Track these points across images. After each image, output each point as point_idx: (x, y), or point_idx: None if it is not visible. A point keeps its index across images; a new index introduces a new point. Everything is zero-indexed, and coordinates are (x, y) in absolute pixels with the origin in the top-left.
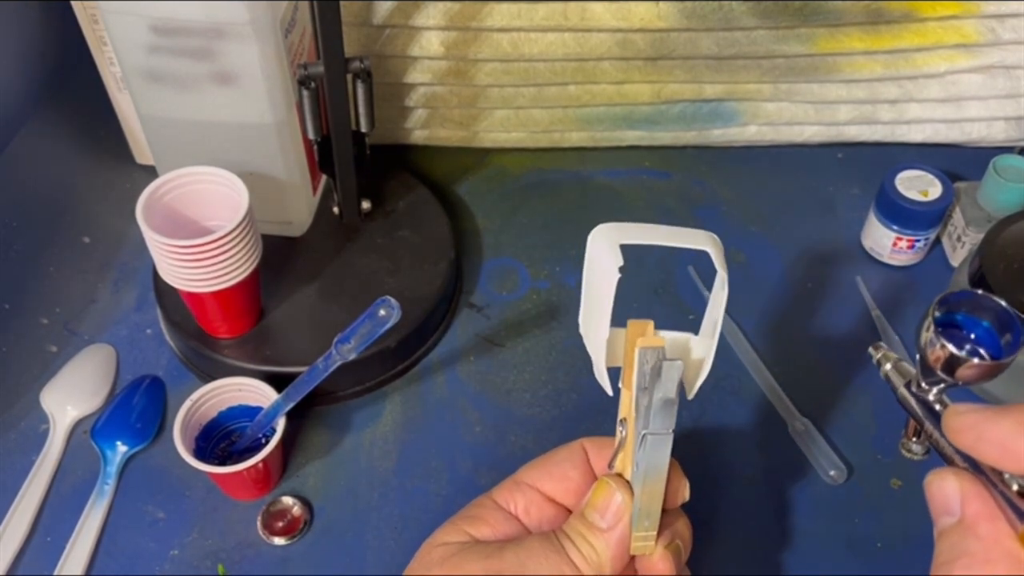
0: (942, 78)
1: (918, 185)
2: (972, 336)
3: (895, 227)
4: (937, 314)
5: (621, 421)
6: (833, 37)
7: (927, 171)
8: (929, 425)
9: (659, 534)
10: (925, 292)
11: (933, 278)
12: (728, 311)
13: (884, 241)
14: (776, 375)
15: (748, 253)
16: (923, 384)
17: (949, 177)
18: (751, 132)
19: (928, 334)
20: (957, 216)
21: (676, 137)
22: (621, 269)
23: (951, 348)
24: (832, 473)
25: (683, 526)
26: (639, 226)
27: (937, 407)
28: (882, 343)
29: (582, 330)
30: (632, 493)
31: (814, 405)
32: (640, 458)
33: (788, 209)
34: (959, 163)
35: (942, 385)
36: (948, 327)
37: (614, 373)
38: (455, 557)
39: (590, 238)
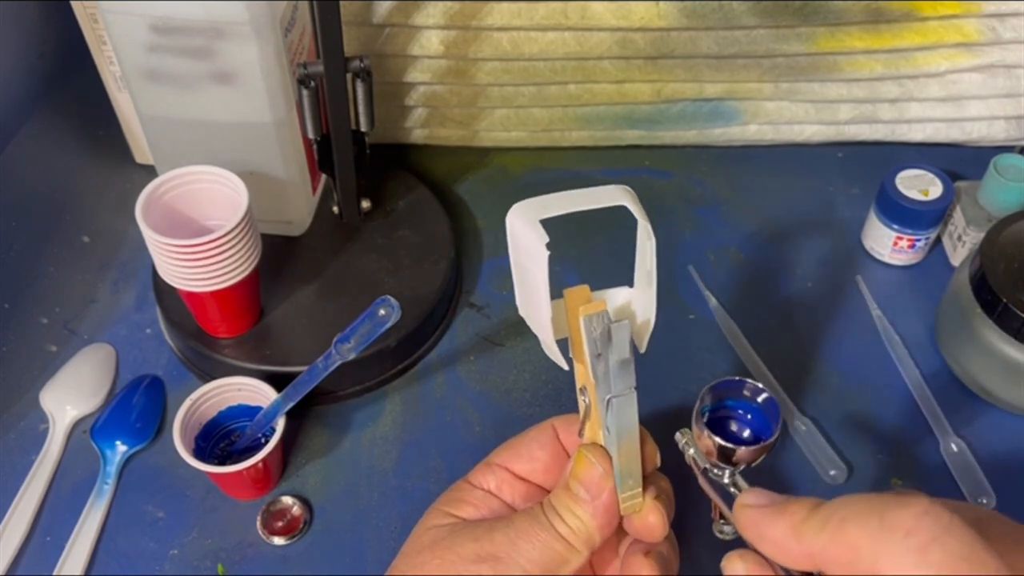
0: (942, 77)
1: (918, 184)
2: (749, 417)
3: (895, 226)
4: (706, 405)
5: (581, 390)
6: (833, 36)
7: (927, 170)
8: (727, 509)
9: (643, 490)
10: (925, 292)
11: (933, 278)
12: (728, 311)
13: (884, 241)
14: (776, 375)
15: (748, 253)
16: (715, 470)
17: (949, 176)
18: (751, 131)
19: (696, 427)
20: (957, 215)
21: (676, 136)
22: (549, 246)
23: (717, 439)
24: (832, 473)
25: (665, 483)
26: (553, 197)
27: (732, 490)
28: (688, 428)
29: (522, 312)
30: (610, 459)
31: (814, 405)
32: (610, 422)
33: (788, 209)
34: (959, 162)
35: (730, 469)
36: (724, 413)
37: (564, 345)
38: (446, 540)
39: (508, 220)
